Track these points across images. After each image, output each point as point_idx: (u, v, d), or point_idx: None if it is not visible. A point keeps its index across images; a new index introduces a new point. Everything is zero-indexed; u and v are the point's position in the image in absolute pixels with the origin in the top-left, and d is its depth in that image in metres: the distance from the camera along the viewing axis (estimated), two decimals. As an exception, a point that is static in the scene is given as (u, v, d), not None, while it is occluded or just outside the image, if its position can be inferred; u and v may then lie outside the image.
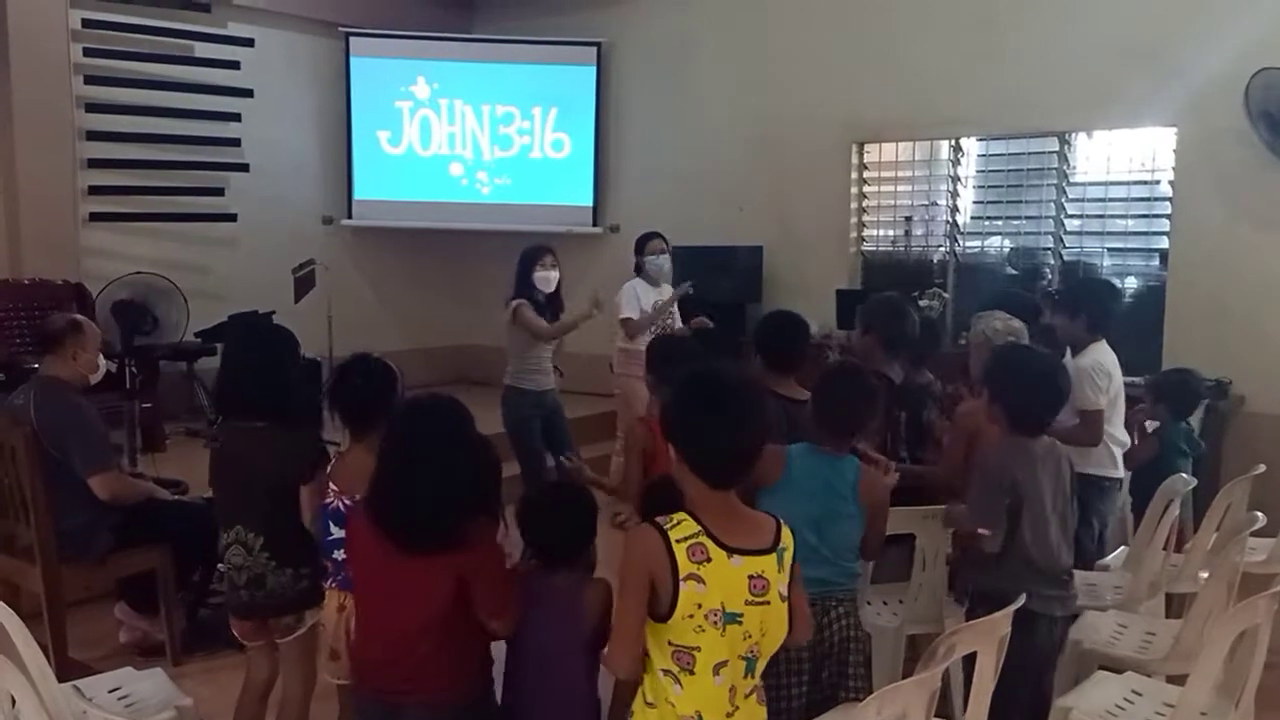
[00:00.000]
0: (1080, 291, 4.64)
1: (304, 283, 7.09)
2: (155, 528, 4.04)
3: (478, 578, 2.34)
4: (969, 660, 2.53)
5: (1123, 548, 4.27)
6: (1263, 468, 3.93)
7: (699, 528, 2.01)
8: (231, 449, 3.07)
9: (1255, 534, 3.37)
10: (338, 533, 2.82)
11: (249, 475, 2.99)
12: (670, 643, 2.01)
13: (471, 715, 2.45)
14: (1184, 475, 3.88)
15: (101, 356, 4.09)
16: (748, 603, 2.01)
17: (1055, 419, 3.16)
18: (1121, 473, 4.24)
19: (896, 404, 3.77)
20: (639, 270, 6.02)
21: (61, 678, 2.86)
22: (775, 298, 7.35)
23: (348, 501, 2.81)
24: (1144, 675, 3.12)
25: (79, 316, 4.17)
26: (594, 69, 8.48)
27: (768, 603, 2.03)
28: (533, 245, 5.49)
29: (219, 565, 4.44)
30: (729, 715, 2.04)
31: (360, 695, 2.56)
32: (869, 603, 3.55)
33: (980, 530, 2.94)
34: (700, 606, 1.98)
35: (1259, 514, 3.33)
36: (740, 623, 2.00)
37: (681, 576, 1.97)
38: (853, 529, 2.83)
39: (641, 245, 6.05)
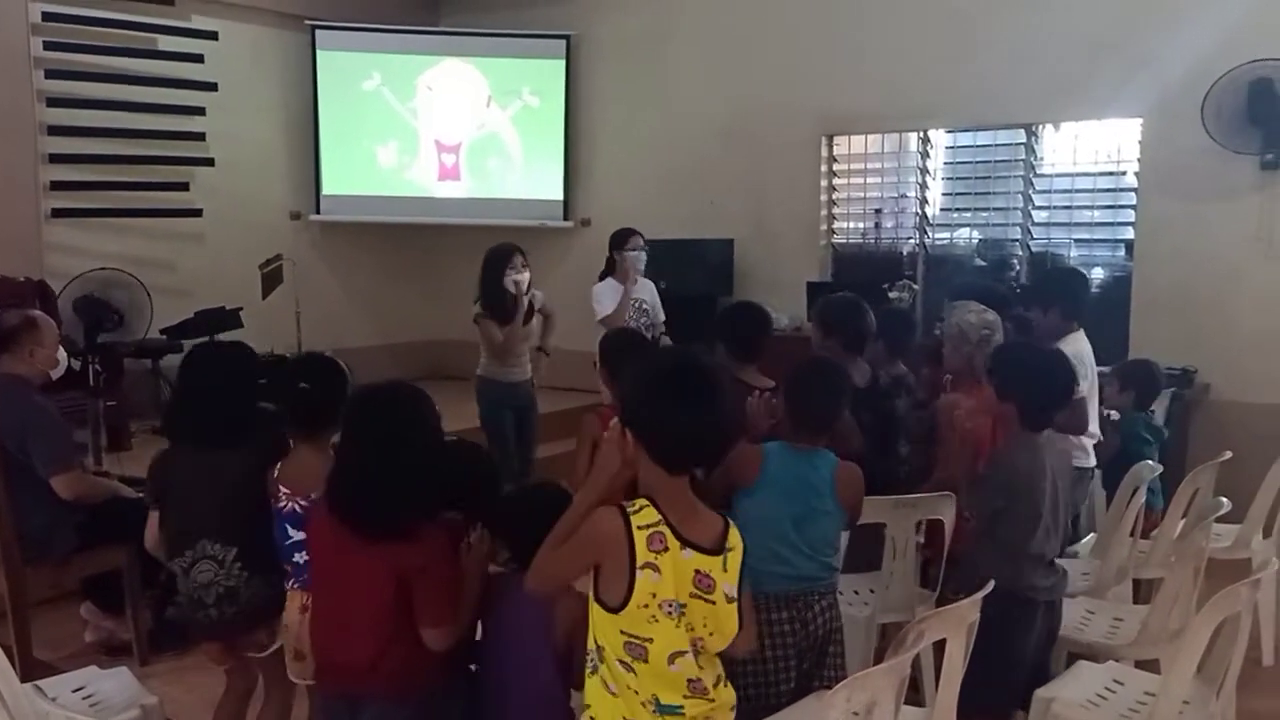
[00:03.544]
0: (1050, 283, 4.67)
1: (271, 278, 7.02)
2: (120, 527, 3.97)
3: (417, 580, 2.32)
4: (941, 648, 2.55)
5: (1091, 535, 4.31)
6: (1229, 454, 3.97)
7: (659, 516, 1.99)
8: (187, 473, 2.95)
9: (1221, 519, 3.41)
10: (296, 535, 2.75)
11: (213, 489, 2.89)
12: (623, 632, 1.99)
13: (432, 712, 2.42)
14: (1149, 463, 3.91)
15: (62, 350, 4.03)
16: (691, 595, 1.99)
17: (1057, 413, 3.18)
18: (1090, 462, 4.27)
19: (861, 406, 3.77)
20: (610, 269, 5.84)
21: (26, 678, 2.81)
22: (746, 290, 7.33)
23: (302, 502, 2.74)
24: (1112, 660, 3.15)
25: (33, 312, 4.10)
26: (563, 62, 8.44)
27: (713, 601, 2.02)
28: (500, 246, 5.38)
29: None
30: (693, 699, 2.02)
31: (322, 693, 2.54)
32: (840, 592, 3.56)
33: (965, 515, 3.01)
34: (655, 596, 1.96)
35: (1224, 500, 3.36)
36: (684, 614, 1.99)
37: (639, 565, 1.96)
38: (831, 525, 2.83)
39: (621, 241, 5.81)
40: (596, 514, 2.03)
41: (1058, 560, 3.17)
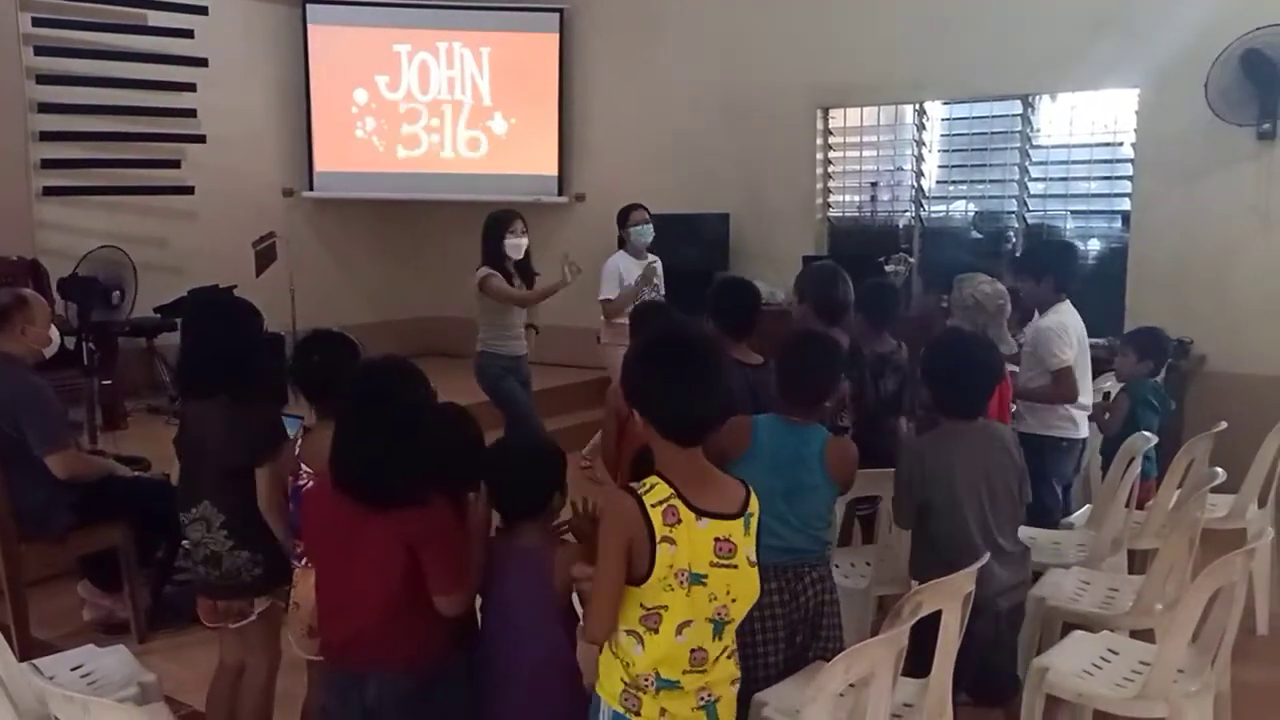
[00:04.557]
0: (1043, 254, 4.69)
1: (265, 256, 7.00)
2: (116, 505, 3.99)
3: (426, 548, 2.30)
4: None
5: (1086, 506, 4.32)
6: (1224, 425, 3.98)
7: (671, 490, 2.01)
8: (191, 427, 3.02)
9: (1216, 490, 3.42)
10: None
11: (208, 453, 2.93)
12: (641, 605, 2.02)
13: (437, 688, 2.41)
14: (1145, 433, 3.91)
15: (54, 329, 4.02)
16: (713, 565, 2.01)
17: (987, 399, 3.12)
18: (1081, 434, 4.27)
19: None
20: (622, 244, 5.92)
21: (24, 656, 2.83)
22: (742, 265, 7.34)
23: None
24: (1107, 630, 3.16)
25: (24, 290, 4.09)
26: (557, 35, 8.39)
27: (735, 566, 2.03)
28: (500, 211, 5.40)
29: (184, 541, 4.42)
30: (691, 672, 2.04)
31: (327, 667, 2.54)
32: (836, 565, 3.56)
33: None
34: (671, 567, 1.99)
35: (1219, 470, 3.37)
36: (705, 584, 2.01)
37: (657, 539, 1.98)
38: (820, 499, 2.83)
39: (624, 217, 5.92)
40: (609, 499, 2.07)
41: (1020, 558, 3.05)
